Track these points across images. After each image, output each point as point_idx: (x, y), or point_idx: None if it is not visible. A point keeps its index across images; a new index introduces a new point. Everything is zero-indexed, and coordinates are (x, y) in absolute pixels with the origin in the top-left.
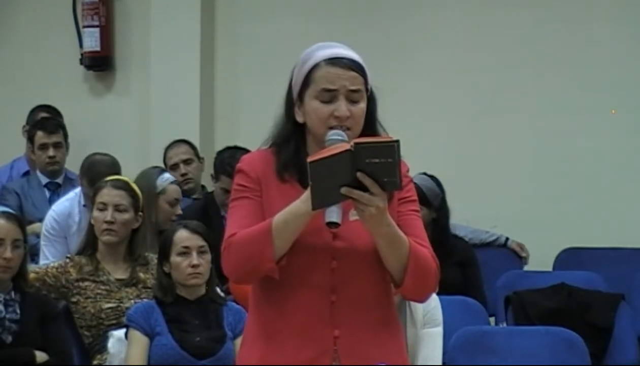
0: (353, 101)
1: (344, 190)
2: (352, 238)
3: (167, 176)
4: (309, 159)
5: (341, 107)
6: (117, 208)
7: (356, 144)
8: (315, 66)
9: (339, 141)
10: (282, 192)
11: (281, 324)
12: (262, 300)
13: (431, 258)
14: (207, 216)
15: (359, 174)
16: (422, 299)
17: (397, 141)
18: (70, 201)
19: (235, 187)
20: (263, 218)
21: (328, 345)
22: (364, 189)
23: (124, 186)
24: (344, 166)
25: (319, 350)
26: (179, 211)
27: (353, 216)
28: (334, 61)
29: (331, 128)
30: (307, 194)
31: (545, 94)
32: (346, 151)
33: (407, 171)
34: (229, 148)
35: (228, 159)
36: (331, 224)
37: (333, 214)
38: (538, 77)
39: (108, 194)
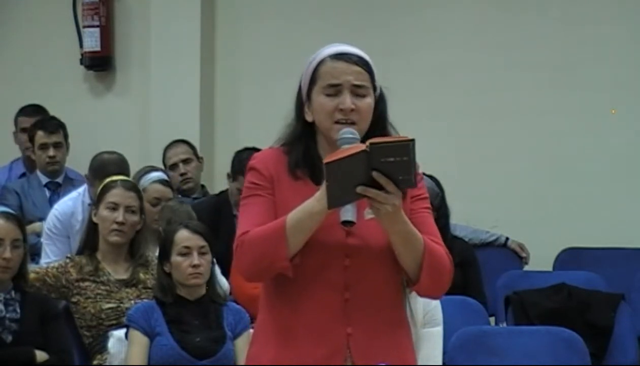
0: (358, 96)
1: (360, 189)
2: (366, 236)
3: (153, 175)
4: (326, 161)
5: (345, 100)
6: (128, 210)
7: (371, 144)
8: (321, 63)
9: (351, 140)
10: (295, 189)
11: (294, 322)
12: (274, 298)
13: (445, 255)
14: (219, 214)
15: (374, 173)
16: (437, 295)
17: (413, 140)
18: (73, 200)
19: (247, 184)
20: (275, 215)
21: (341, 342)
22: (379, 187)
23: (134, 188)
24: (359, 166)
25: (332, 348)
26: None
27: (368, 214)
28: (339, 56)
29: (336, 122)
30: (321, 192)
31: (545, 94)
32: (362, 151)
33: (418, 168)
34: (247, 149)
35: (247, 160)
36: (346, 223)
37: (348, 213)
38: (538, 77)
39: (120, 195)
